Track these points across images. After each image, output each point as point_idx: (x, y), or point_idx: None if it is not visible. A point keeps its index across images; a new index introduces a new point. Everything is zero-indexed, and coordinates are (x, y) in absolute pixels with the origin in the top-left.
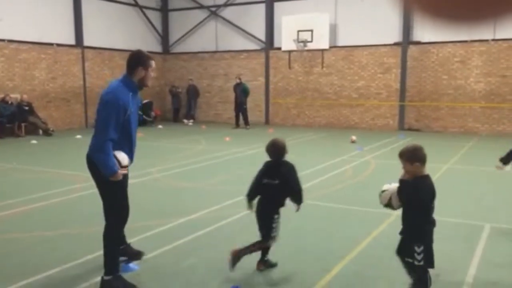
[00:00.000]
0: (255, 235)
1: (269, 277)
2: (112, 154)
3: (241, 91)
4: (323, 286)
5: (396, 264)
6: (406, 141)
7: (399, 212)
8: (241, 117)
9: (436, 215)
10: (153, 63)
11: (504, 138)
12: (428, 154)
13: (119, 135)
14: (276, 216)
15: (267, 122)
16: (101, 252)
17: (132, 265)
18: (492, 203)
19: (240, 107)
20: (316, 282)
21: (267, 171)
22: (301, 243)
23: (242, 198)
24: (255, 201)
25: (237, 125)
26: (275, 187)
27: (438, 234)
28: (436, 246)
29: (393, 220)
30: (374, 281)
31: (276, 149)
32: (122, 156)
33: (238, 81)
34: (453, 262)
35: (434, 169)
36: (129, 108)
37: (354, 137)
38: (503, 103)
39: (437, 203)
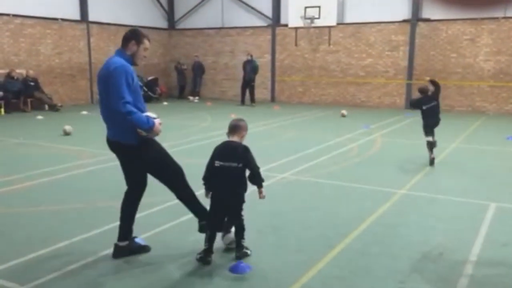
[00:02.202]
0: (255, 214)
1: (273, 253)
2: (137, 111)
3: (252, 68)
4: (327, 262)
5: (400, 241)
6: (412, 119)
7: (403, 190)
8: (246, 94)
9: (441, 194)
10: (146, 42)
11: None
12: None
13: (132, 99)
14: None
15: (272, 99)
16: (108, 226)
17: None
18: (498, 183)
19: (248, 84)
20: (321, 258)
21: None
22: (306, 220)
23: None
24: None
25: (243, 102)
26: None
27: (443, 213)
28: (441, 225)
29: (397, 198)
30: (377, 258)
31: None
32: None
33: (249, 57)
34: (458, 241)
35: (440, 148)
36: (134, 76)
37: (344, 112)
38: None
39: (442, 182)
